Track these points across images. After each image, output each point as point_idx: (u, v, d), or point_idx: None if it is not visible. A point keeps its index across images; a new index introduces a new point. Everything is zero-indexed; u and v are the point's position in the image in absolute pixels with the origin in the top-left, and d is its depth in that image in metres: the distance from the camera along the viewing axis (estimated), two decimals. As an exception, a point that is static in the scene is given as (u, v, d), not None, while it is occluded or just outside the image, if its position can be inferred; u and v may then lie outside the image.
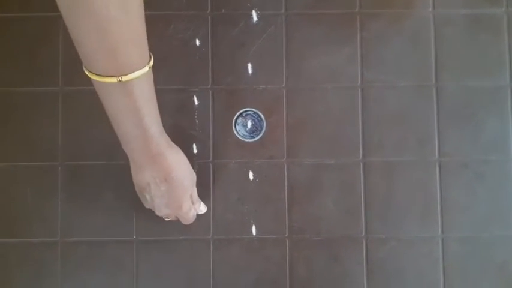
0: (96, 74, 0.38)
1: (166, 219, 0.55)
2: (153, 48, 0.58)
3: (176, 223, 0.55)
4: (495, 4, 0.59)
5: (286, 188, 0.58)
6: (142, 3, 0.37)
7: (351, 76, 0.59)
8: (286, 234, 0.57)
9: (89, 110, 0.58)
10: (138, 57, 0.39)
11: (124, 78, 0.38)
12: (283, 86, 0.58)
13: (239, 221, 0.58)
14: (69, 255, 0.57)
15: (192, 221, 0.54)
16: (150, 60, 0.40)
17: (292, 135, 0.58)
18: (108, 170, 0.57)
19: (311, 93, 0.58)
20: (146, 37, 0.39)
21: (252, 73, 0.58)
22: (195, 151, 0.58)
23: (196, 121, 0.58)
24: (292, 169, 0.58)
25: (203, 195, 0.57)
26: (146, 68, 0.39)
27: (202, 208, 0.56)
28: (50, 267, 0.57)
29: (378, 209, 0.58)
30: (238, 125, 0.58)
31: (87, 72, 0.39)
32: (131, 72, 0.38)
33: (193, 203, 0.53)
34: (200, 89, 0.59)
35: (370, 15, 0.59)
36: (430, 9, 0.59)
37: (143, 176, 0.47)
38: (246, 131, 0.58)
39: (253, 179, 0.58)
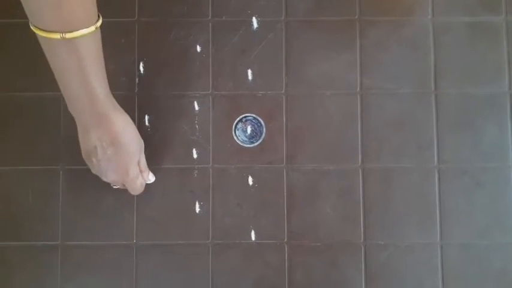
0: (40, 29, 0.39)
1: (114, 187, 0.55)
2: (154, 54, 0.59)
3: (174, 227, 0.56)
4: (494, 12, 0.60)
5: (285, 193, 0.58)
6: None
7: (351, 83, 0.59)
8: (285, 240, 0.58)
9: (91, 115, 0.59)
10: (84, 15, 0.39)
11: (68, 36, 0.38)
12: (283, 92, 0.59)
13: (238, 226, 0.58)
14: (69, 259, 0.58)
15: (139, 191, 0.54)
16: (97, 21, 0.41)
17: (292, 141, 0.58)
18: (108, 174, 0.58)
19: (310, 100, 0.59)
20: None
21: (252, 79, 0.59)
22: (195, 156, 0.58)
23: (197, 126, 0.59)
24: (292, 175, 0.58)
25: (202, 199, 0.58)
26: (92, 28, 0.40)
27: (151, 177, 0.55)
28: (51, 270, 0.58)
29: (377, 215, 0.58)
30: (238, 130, 0.58)
31: (32, 28, 0.40)
32: (76, 30, 0.38)
33: (141, 171, 0.53)
34: (200, 94, 0.59)
35: (369, 22, 0.60)
36: (430, 17, 0.60)
37: (90, 139, 0.47)
38: (246, 137, 0.58)
39: (252, 184, 0.58)
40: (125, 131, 0.48)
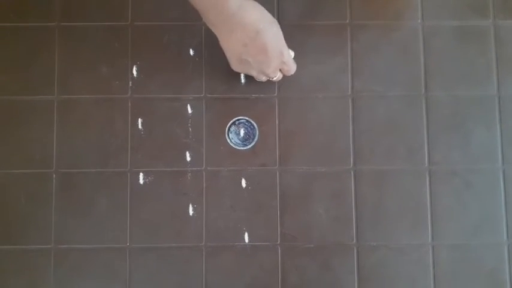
0: None
1: (273, 79, 0.55)
2: (147, 58, 0.59)
3: (167, 229, 0.56)
4: (482, 16, 0.61)
5: (278, 195, 0.58)
6: None
7: (342, 86, 0.60)
8: (278, 242, 0.58)
9: (84, 119, 0.59)
10: None
11: None
12: (275, 95, 0.59)
13: (231, 228, 0.58)
14: (62, 262, 0.57)
15: (294, 69, 0.54)
16: None
17: (284, 144, 0.59)
18: (101, 177, 0.58)
19: (303, 102, 0.59)
20: None
21: (245, 82, 0.59)
22: (188, 159, 0.59)
23: (190, 129, 0.59)
24: (284, 177, 0.58)
25: (196, 202, 0.58)
26: None
27: (291, 52, 0.55)
28: (44, 274, 0.57)
29: (369, 216, 0.58)
30: (231, 133, 0.59)
31: None
32: None
33: None
34: (194, 97, 0.59)
35: (360, 26, 0.61)
36: (419, 21, 0.61)
37: (235, 41, 0.47)
38: (239, 139, 0.59)
39: (245, 187, 0.58)
40: (263, 16, 0.47)
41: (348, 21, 0.61)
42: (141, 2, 0.60)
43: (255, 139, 0.59)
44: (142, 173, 0.58)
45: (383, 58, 0.60)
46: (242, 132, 0.59)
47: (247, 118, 0.59)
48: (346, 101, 0.60)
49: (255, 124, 0.59)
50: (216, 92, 0.59)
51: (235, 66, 0.51)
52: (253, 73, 0.53)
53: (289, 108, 0.59)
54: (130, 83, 0.59)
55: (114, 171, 0.58)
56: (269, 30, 0.47)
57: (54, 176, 0.58)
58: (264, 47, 0.48)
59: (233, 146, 0.58)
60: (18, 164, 0.58)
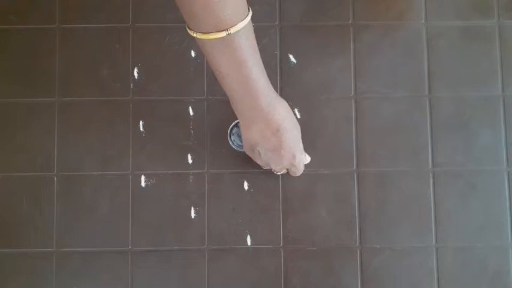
0: (204, 33, 0.39)
1: (277, 173, 0.56)
2: (148, 60, 0.59)
3: (169, 232, 0.56)
4: (486, 16, 0.60)
5: (280, 198, 0.58)
6: None
7: (345, 87, 0.59)
8: (281, 244, 0.58)
9: (85, 121, 0.59)
10: (243, 6, 0.40)
11: (232, 30, 0.38)
12: (278, 96, 0.59)
13: (234, 231, 0.58)
14: (64, 265, 0.57)
15: (301, 172, 0.54)
16: (249, 10, 0.41)
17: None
18: (103, 180, 0.58)
19: (305, 104, 0.59)
20: None
21: (247, 84, 0.59)
22: (190, 161, 0.58)
23: (192, 131, 0.59)
24: (287, 179, 0.58)
25: (198, 204, 0.58)
26: (249, 17, 0.40)
27: (307, 158, 0.55)
28: (45, 277, 0.57)
29: (372, 219, 0.58)
30: (233, 135, 0.58)
31: (194, 34, 0.40)
32: (238, 23, 0.39)
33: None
34: (195, 99, 0.59)
35: (363, 27, 0.60)
36: (423, 21, 0.60)
37: (256, 131, 0.47)
38: (241, 142, 0.58)
39: (248, 189, 0.58)
40: (288, 116, 0.48)
41: (350, 21, 0.60)
42: (141, 4, 0.60)
43: (257, 141, 0.58)
44: (144, 175, 0.58)
45: (386, 59, 0.60)
46: (244, 134, 0.58)
47: (249, 120, 0.58)
48: (349, 102, 0.59)
49: (257, 126, 0.58)
50: (217, 94, 0.59)
51: (247, 150, 0.52)
52: (260, 163, 0.53)
53: (292, 110, 0.59)
54: (131, 85, 0.59)
55: (115, 174, 0.58)
56: (290, 131, 0.48)
57: (55, 179, 0.58)
58: (279, 145, 0.48)
59: (235, 148, 0.58)
60: (19, 167, 0.58)
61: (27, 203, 0.58)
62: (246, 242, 0.58)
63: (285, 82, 0.59)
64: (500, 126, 0.59)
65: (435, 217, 0.58)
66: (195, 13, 0.38)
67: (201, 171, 0.58)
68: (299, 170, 0.53)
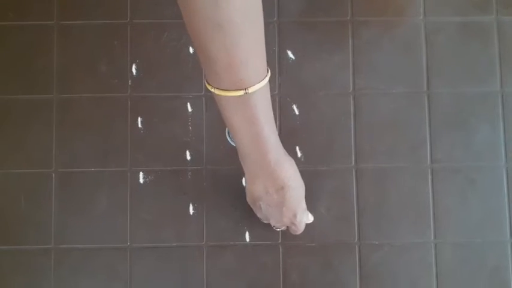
0: (222, 89, 0.39)
1: (277, 229, 0.55)
2: (146, 56, 0.59)
3: (168, 229, 0.56)
4: (485, 12, 0.60)
5: (279, 194, 0.58)
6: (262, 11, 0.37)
7: (343, 83, 0.59)
8: (280, 241, 0.58)
9: (83, 118, 0.58)
10: (263, 67, 0.40)
11: (250, 90, 0.38)
12: (276, 92, 0.59)
13: (232, 227, 0.58)
14: (62, 262, 0.57)
15: (302, 231, 0.54)
16: (268, 71, 0.41)
17: (285, 142, 0.58)
18: (101, 177, 0.58)
19: (304, 100, 0.59)
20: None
21: (245, 80, 0.59)
22: (188, 157, 0.58)
23: (190, 128, 0.59)
24: (285, 175, 0.58)
25: (196, 201, 0.58)
26: (267, 78, 0.40)
27: (310, 217, 0.55)
28: (44, 274, 0.57)
29: (371, 215, 0.58)
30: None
31: (212, 89, 0.40)
32: (256, 83, 0.39)
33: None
34: (193, 96, 0.59)
35: (361, 23, 0.60)
36: (421, 17, 0.60)
37: (260, 186, 0.47)
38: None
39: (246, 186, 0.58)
40: (295, 175, 0.48)
41: (349, 17, 0.60)
42: (139, 0, 0.60)
43: (256, 137, 0.58)
44: (142, 172, 0.58)
45: (385, 55, 0.59)
46: (243, 130, 0.58)
47: (247, 116, 0.58)
48: (347, 98, 0.59)
49: (255, 122, 0.58)
50: (216, 90, 0.59)
51: (249, 201, 0.51)
52: (260, 216, 0.53)
53: (290, 106, 0.59)
54: (129, 81, 0.59)
55: (114, 171, 0.58)
56: (294, 190, 0.47)
57: (53, 175, 0.58)
58: (281, 203, 0.48)
59: (233, 144, 0.58)
60: (17, 163, 0.58)
61: (25, 199, 0.58)
62: (245, 238, 0.58)
63: (283, 78, 0.59)
64: (498, 122, 0.59)
65: (434, 213, 0.58)
66: (217, 72, 0.38)
67: (200, 167, 0.58)
68: (299, 229, 0.53)
